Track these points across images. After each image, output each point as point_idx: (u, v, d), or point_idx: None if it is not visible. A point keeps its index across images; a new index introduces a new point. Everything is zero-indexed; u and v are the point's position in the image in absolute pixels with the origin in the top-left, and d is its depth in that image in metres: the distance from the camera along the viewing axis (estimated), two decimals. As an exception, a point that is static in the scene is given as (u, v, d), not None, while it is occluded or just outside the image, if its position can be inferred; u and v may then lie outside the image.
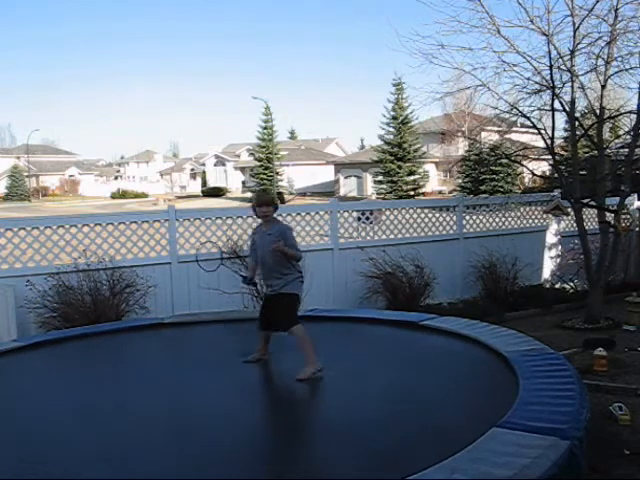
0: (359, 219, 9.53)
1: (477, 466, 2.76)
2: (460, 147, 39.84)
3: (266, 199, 5.03)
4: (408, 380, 4.52)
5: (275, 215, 5.09)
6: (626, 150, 8.90)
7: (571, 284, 9.96)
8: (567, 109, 8.43)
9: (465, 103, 14.30)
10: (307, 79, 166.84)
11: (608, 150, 9.28)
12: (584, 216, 9.12)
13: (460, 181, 37.67)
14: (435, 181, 48.68)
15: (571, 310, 9.02)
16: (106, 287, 7.23)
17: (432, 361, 4.96)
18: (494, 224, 10.48)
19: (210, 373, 4.94)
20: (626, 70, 8.20)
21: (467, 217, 10.27)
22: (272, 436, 3.77)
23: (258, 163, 53.62)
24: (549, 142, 8.60)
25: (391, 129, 44.82)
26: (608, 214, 8.77)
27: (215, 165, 73.27)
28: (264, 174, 51.89)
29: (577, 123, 8.69)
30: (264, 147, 53.22)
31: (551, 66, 8.14)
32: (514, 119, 9.88)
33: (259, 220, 5.16)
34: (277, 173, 51.58)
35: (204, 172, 74.24)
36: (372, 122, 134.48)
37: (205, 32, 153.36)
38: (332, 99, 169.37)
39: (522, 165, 9.85)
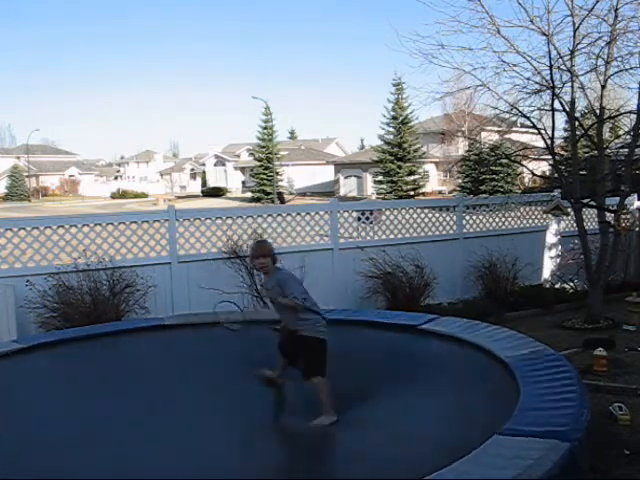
0: (359, 219, 9.53)
1: (479, 470, 2.76)
2: (460, 147, 39.89)
3: (262, 251, 4.53)
4: (408, 384, 4.51)
5: (277, 264, 4.57)
6: (626, 150, 8.90)
7: (571, 284, 9.95)
8: (567, 109, 8.43)
9: (465, 103, 14.37)
10: (307, 79, 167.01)
11: (608, 150, 9.27)
12: (584, 216, 9.12)
13: (460, 181, 37.68)
14: (435, 181, 48.68)
15: (571, 310, 9.02)
16: (106, 287, 7.22)
17: (433, 365, 4.94)
18: (494, 224, 10.47)
19: (210, 373, 4.93)
20: (626, 70, 8.20)
21: (467, 217, 10.27)
22: (271, 438, 3.77)
23: (258, 163, 53.61)
24: (549, 142, 8.60)
25: (391, 129, 44.83)
26: (608, 214, 8.77)
27: (215, 165, 73.27)
28: (264, 174, 51.87)
29: (577, 123, 8.69)
30: (264, 147, 53.20)
31: (551, 66, 8.14)
32: (514, 119, 9.89)
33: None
34: (277, 173, 51.56)
35: (204, 172, 74.24)
36: (372, 122, 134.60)
37: (205, 32, 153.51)
38: (332, 99, 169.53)
39: (522, 165, 9.85)
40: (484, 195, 13.91)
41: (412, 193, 42.65)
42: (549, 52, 8.13)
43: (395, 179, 43.38)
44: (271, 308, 4.68)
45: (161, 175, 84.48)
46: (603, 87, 8.27)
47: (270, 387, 4.60)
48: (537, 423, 3.25)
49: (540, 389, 3.81)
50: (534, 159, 10.13)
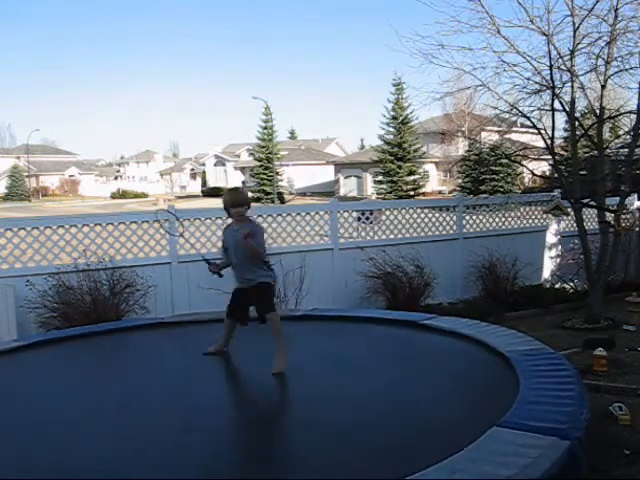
0: (359, 219, 9.53)
1: (477, 466, 2.75)
2: (460, 147, 39.88)
3: (241, 199, 4.92)
4: (407, 380, 4.52)
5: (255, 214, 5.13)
6: (626, 150, 8.90)
7: (571, 284, 9.96)
8: (567, 109, 8.43)
9: (465, 103, 14.36)
10: (307, 79, 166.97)
11: (608, 150, 9.28)
12: (584, 216, 9.12)
13: (460, 181, 37.67)
14: (435, 181, 48.69)
15: (571, 310, 9.02)
16: (106, 287, 7.22)
17: (432, 361, 4.95)
18: (494, 224, 10.47)
19: (210, 373, 4.94)
20: (626, 70, 8.21)
21: (467, 217, 10.27)
22: (271, 435, 3.77)
23: (258, 163, 53.62)
24: (549, 142, 8.61)
25: (391, 129, 44.84)
26: (608, 214, 8.77)
27: (215, 165, 73.28)
28: (264, 174, 51.89)
29: (577, 123, 8.69)
30: (264, 147, 53.21)
31: (551, 66, 8.15)
32: (514, 119, 9.90)
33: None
34: (277, 173, 51.58)
35: (204, 172, 74.25)
36: (372, 122, 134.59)
37: (205, 32, 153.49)
38: (332, 99, 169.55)
39: (522, 165, 9.86)
40: (484, 195, 13.89)
41: (412, 193, 42.66)
42: (549, 52, 8.14)
43: (395, 179, 43.39)
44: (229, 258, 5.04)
45: (161, 175, 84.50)
46: (603, 87, 8.27)
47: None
48: (536, 418, 3.24)
49: (540, 384, 3.81)
50: (534, 159, 10.13)
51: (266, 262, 4.96)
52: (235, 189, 5.51)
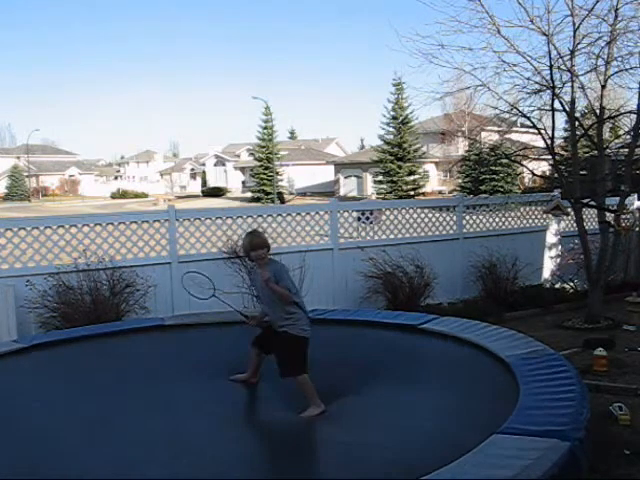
0: (359, 219, 9.52)
1: (478, 470, 2.76)
2: (460, 147, 39.86)
3: (260, 242, 4.60)
4: (407, 387, 4.50)
5: (271, 255, 4.67)
6: (626, 150, 8.90)
7: (571, 284, 9.95)
8: (567, 109, 8.43)
9: (465, 103, 14.35)
10: (307, 79, 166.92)
11: (608, 150, 9.27)
12: (584, 216, 9.12)
13: (460, 181, 37.69)
14: (435, 181, 48.69)
15: (571, 310, 9.02)
16: (106, 287, 7.22)
17: (431, 367, 4.94)
18: (494, 224, 10.47)
19: (210, 373, 4.93)
20: (626, 70, 8.20)
21: (467, 217, 10.27)
22: (271, 437, 3.78)
23: (258, 163, 53.62)
24: (549, 142, 8.60)
25: (391, 129, 44.85)
26: (608, 214, 8.77)
27: (215, 165, 73.28)
28: (264, 174, 51.89)
29: (577, 123, 8.69)
30: (264, 147, 53.21)
31: (551, 66, 8.14)
32: (514, 119, 9.89)
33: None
34: (277, 173, 51.57)
35: (204, 172, 74.23)
36: (372, 122, 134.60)
37: (205, 32, 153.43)
38: (332, 99, 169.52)
39: (522, 165, 9.85)
40: (484, 195, 13.90)
41: (412, 193, 42.67)
42: (549, 52, 8.13)
43: (395, 179, 43.40)
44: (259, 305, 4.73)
45: (161, 175, 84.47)
46: (603, 87, 8.27)
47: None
48: (537, 422, 3.25)
49: (540, 388, 3.81)
50: (534, 159, 10.13)
51: (298, 304, 4.55)
52: (253, 232, 5.08)
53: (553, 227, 10.48)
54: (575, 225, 8.95)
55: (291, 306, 4.48)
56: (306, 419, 3.98)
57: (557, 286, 10.05)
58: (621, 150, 9.81)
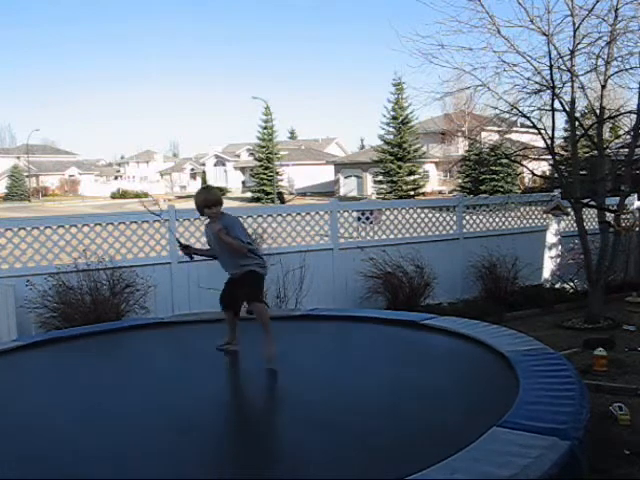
0: (359, 219, 9.53)
1: (478, 466, 2.75)
2: (460, 147, 39.91)
3: (214, 200, 4.77)
4: (408, 379, 4.52)
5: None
6: (626, 150, 8.90)
7: (571, 284, 9.96)
8: (567, 109, 8.44)
9: (465, 103, 14.33)
10: (307, 79, 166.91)
11: (608, 150, 9.28)
12: (584, 216, 9.13)
13: (460, 181, 37.73)
14: (435, 181, 48.73)
15: (571, 310, 9.02)
16: (106, 287, 7.23)
17: (432, 361, 4.95)
18: (494, 224, 10.47)
19: (210, 372, 4.93)
20: (626, 70, 8.22)
21: (467, 217, 10.27)
22: (271, 435, 3.78)
23: (258, 163, 53.66)
24: (549, 142, 8.61)
25: (391, 129, 44.90)
26: (608, 214, 8.77)
27: (215, 165, 73.33)
28: (264, 174, 51.92)
29: (577, 123, 8.70)
30: (264, 147, 53.25)
31: (551, 66, 8.15)
32: (514, 119, 9.90)
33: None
34: (277, 173, 51.61)
35: (204, 172, 74.28)
36: (372, 122, 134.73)
37: (205, 32, 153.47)
38: (332, 99, 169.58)
39: (522, 165, 9.86)
40: (484, 195, 13.91)
41: (412, 193, 42.71)
42: (549, 52, 8.14)
43: (395, 179, 43.44)
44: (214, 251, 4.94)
45: (161, 175, 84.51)
46: (603, 87, 8.28)
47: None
48: (536, 418, 3.24)
49: (540, 384, 3.81)
50: (534, 159, 10.13)
51: (253, 251, 4.81)
52: (206, 188, 5.34)
53: (553, 227, 10.48)
54: (575, 225, 8.96)
55: (246, 257, 4.73)
56: (300, 400, 4.04)
57: (557, 286, 10.06)
58: (621, 150, 9.82)
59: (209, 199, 4.77)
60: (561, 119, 9.54)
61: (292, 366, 4.75)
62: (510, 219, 10.74)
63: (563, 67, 8.22)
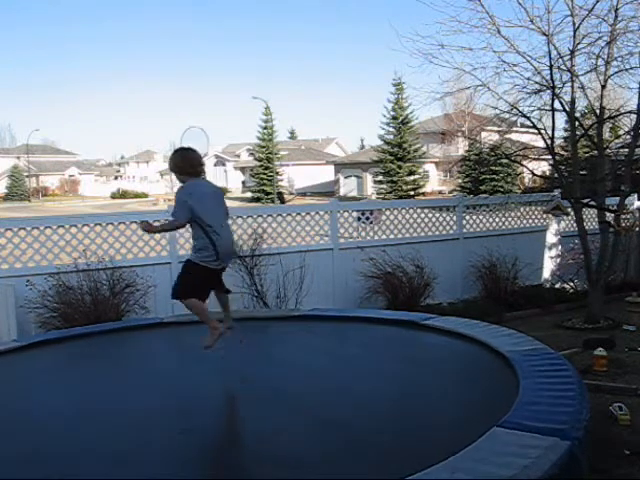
0: (359, 219, 9.53)
1: (478, 466, 2.75)
2: (460, 147, 39.91)
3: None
4: (408, 379, 4.52)
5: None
6: (626, 150, 8.91)
7: (571, 284, 9.96)
8: (567, 109, 8.44)
9: (465, 103, 14.37)
10: (307, 79, 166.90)
11: (608, 150, 9.28)
12: (584, 216, 9.13)
13: (460, 181, 37.72)
14: (435, 181, 48.74)
15: (571, 310, 9.03)
16: (106, 287, 7.23)
17: (432, 360, 4.96)
18: (494, 224, 10.48)
19: (209, 372, 4.93)
20: (626, 70, 8.22)
21: (467, 217, 10.27)
22: (271, 435, 3.77)
23: (258, 163, 53.66)
24: (549, 142, 8.61)
25: (391, 129, 44.90)
26: (608, 214, 8.77)
27: (215, 165, 73.28)
28: (264, 174, 51.92)
29: (577, 123, 8.70)
30: (264, 147, 53.25)
31: (551, 66, 8.15)
32: (514, 119, 9.90)
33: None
34: (277, 173, 51.61)
35: (204, 172, 74.21)
36: (372, 122, 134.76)
37: (205, 32, 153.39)
38: (332, 99, 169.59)
39: (522, 165, 9.86)
40: (484, 195, 13.91)
41: (412, 193, 42.72)
42: (549, 52, 8.14)
43: (395, 179, 43.44)
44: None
45: (161, 175, 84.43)
46: (603, 87, 8.27)
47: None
48: (536, 418, 3.24)
49: (540, 384, 3.81)
50: (534, 159, 10.14)
51: (206, 228, 4.30)
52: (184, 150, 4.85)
53: (553, 227, 10.48)
54: (575, 225, 8.96)
55: (195, 237, 4.37)
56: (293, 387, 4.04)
57: (557, 286, 10.06)
58: (621, 150, 9.82)
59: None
60: (561, 119, 9.56)
61: (292, 366, 4.75)
62: (510, 219, 10.74)
63: (563, 67, 8.22)
